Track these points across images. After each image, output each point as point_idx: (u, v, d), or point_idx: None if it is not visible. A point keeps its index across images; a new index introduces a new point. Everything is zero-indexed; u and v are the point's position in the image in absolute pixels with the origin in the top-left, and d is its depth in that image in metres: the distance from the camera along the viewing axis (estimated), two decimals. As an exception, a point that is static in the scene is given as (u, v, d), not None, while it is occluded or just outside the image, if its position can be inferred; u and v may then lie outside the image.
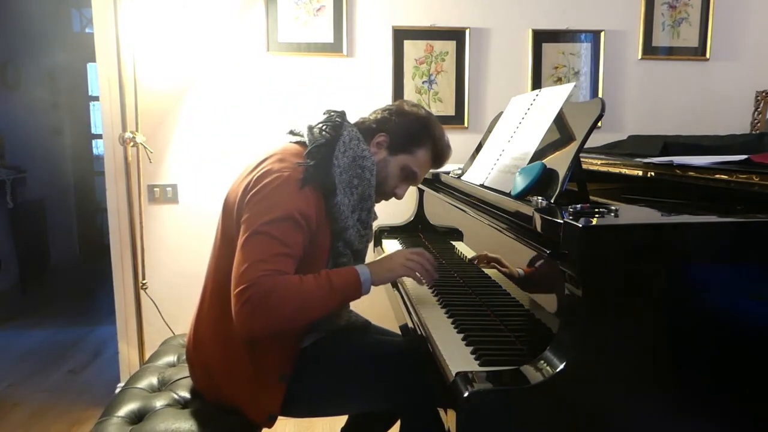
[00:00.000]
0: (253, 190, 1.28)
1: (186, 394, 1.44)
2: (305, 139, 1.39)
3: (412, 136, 1.48)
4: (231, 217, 1.34)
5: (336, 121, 1.40)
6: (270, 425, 1.36)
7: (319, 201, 1.32)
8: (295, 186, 1.27)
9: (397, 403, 1.43)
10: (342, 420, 1.77)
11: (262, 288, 1.17)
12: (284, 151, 1.37)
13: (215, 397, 1.38)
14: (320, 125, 1.40)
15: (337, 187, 1.33)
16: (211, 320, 1.38)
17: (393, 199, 1.56)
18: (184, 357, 1.52)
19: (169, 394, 1.44)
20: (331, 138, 1.36)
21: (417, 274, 1.39)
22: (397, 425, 1.69)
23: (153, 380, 1.52)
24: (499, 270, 1.40)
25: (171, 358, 1.67)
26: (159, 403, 1.39)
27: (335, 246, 1.36)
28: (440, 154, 1.52)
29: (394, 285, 1.66)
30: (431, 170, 1.67)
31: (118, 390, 2.48)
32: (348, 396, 1.43)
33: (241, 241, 1.24)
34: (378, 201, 1.52)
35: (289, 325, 1.26)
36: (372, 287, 1.33)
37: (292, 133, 1.46)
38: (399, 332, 1.59)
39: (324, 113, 1.44)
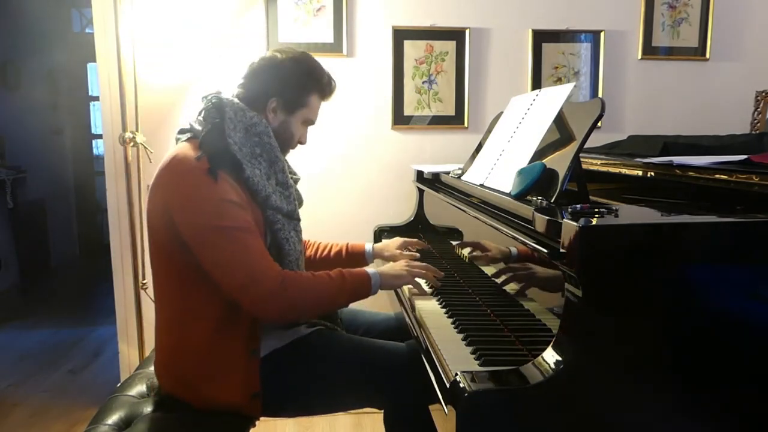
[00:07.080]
0: (175, 198, 1.29)
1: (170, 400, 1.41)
2: (192, 133, 1.38)
3: (300, 88, 1.48)
4: (154, 227, 1.36)
5: (213, 102, 1.38)
6: (256, 409, 1.36)
7: (235, 182, 1.32)
8: (208, 179, 1.28)
9: (382, 401, 1.48)
10: (343, 420, 1.77)
11: (274, 280, 1.27)
12: (177, 152, 1.34)
13: (195, 400, 1.36)
14: (201, 114, 1.39)
15: (242, 162, 1.33)
16: (164, 326, 1.40)
17: (389, 198, 1.58)
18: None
19: (156, 399, 1.43)
20: (217, 121, 1.35)
21: (422, 276, 1.46)
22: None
23: (142, 387, 1.51)
24: (488, 256, 1.41)
25: None
26: (146, 409, 1.39)
27: (266, 216, 1.38)
28: (329, 92, 1.54)
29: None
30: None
31: (118, 390, 2.48)
32: (335, 394, 1.44)
33: (203, 245, 1.27)
34: (286, 153, 1.55)
35: (302, 315, 1.39)
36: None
37: (181, 132, 1.43)
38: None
39: (201, 100, 1.42)
